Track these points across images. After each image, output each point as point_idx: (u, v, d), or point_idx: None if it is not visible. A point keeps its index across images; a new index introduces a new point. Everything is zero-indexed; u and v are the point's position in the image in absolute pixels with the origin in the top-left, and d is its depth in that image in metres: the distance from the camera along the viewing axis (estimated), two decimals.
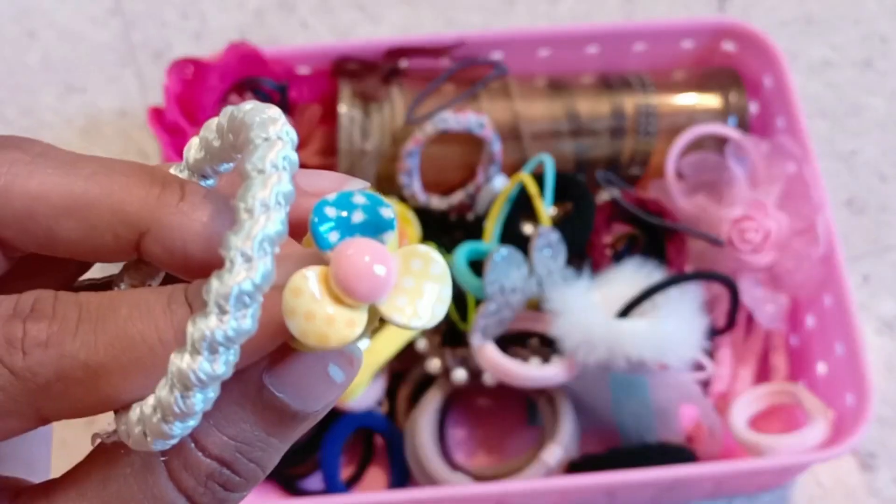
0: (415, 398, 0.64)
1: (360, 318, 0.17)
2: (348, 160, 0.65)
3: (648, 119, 0.67)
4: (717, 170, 0.65)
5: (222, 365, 0.16)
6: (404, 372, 0.64)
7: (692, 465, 0.57)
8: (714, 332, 0.62)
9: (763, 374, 0.65)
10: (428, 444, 0.61)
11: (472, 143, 0.65)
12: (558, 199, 0.64)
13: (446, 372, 0.62)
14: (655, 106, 0.67)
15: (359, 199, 0.17)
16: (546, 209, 0.62)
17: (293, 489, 0.63)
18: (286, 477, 0.63)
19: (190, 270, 0.19)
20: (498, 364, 0.58)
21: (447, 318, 0.62)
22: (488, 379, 0.60)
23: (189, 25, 0.80)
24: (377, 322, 0.18)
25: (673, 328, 0.57)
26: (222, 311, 0.16)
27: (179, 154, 0.63)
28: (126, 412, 0.18)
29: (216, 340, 0.16)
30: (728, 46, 0.70)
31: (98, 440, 0.19)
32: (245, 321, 0.16)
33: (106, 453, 0.19)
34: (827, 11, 0.80)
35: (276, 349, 0.18)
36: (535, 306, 0.60)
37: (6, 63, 0.79)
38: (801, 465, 0.59)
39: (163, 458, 0.18)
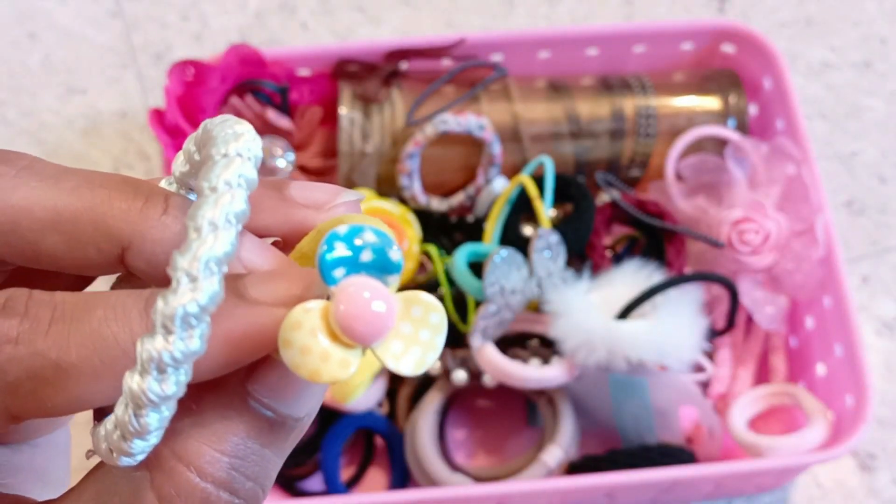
0: (415, 399, 0.64)
1: (355, 359, 0.17)
2: (348, 162, 0.65)
3: (648, 121, 0.67)
4: (716, 171, 0.65)
5: (172, 385, 0.16)
6: None
7: (692, 466, 0.57)
8: (714, 334, 0.62)
9: (762, 375, 0.66)
10: (428, 445, 0.61)
11: (472, 144, 0.65)
12: (558, 200, 0.64)
13: (446, 373, 0.62)
14: (655, 108, 0.67)
15: (369, 237, 0.17)
16: (546, 211, 0.62)
17: (293, 490, 0.63)
18: (286, 478, 0.64)
19: None
20: (498, 365, 0.58)
21: (447, 319, 0.62)
22: (488, 380, 0.60)
23: (189, 27, 0.80)
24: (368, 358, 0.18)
25: (672, 330, 0.57)
26: (168, 332, 0.16)
27: None
28: (99, 425, 0.18)
29: (163, 361, 0.16)
30: (727, 48, 0.70)
31: (91, 455, 0.19)
32: (192, 342, 0.16)
33: (97, 479, 0.18)
34: (826, 13, 0.80)
35: (257, 360, 0.18)
36: (535, 308, 0.60)
37: (7, 64, 0.79)
38: (801, 466, 0.60)
39: (151, 480, 0.17)
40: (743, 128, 0.67)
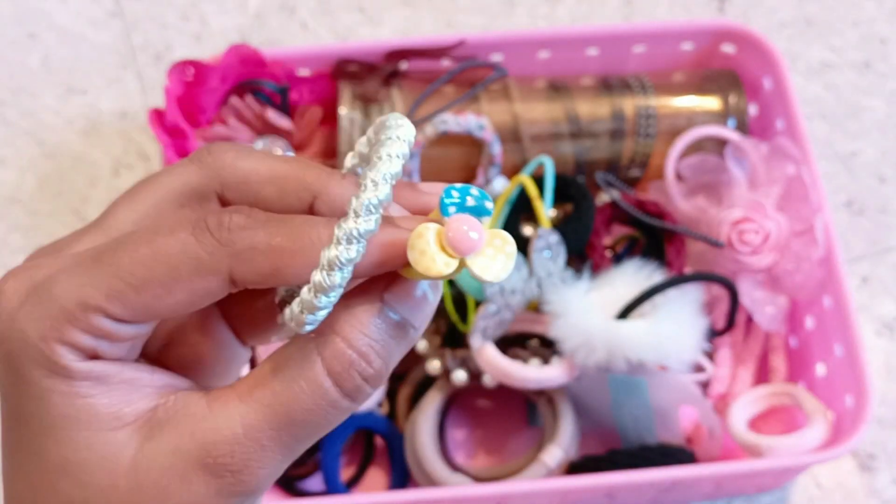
0: (415, 399, 0.64)
1: (453, 264, 0.25)
2: None
3: (648, 121, 0.67)
4: (716, 171, 0.65)
5: (355, 252, 0.24)
6: (405, 373, 0.64)
7: (692, 466, 0.57)
8: (713, 334, 0.62)
9: (762, 375, 0.66)
10: (428, 445, 0.61)
11: (472, 144, 0.65)
12: (558, 200, 0.64)
13: (446, 373, 0.62)
14: (655, 108, 0.67)
15: (473, 192, 0.25)
16: (546, 211, 0.62)
17: (293, 490, 0.63)
18: (286, 478, 0.63)
19: None
20: (498, 365, 0.58)
21: (447, 319, 0.63)
22: (488, 380, 0.60)
23: (189, 27, 0.80)
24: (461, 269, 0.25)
25: (672, 330, 0.57)
26: (357, 216, 0.24)
27: (180, 155, 0.63)
28: (289, 305, 0.25)
29: (352, 235, 0.24)
30: (727, 48, 0.70)
31: (282, 327, 0.29)
32: (370, 223, 0.24)
33: (273, 357, 0.26)
34: (826, 13, 0.80)
35: (391, 280, 0.26)
36: (535, 308, 0.60)
37: (7, 65, 0.79)
38: (801, 466, 0.60)
39: (315, 348, 0.25)
40: (743, 128, 0.67)
